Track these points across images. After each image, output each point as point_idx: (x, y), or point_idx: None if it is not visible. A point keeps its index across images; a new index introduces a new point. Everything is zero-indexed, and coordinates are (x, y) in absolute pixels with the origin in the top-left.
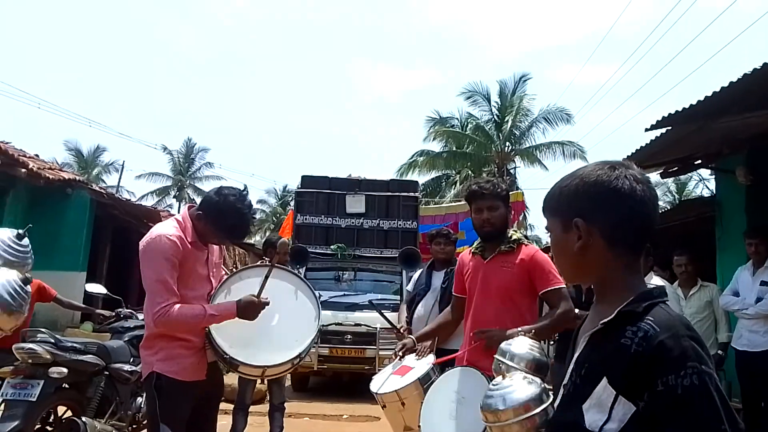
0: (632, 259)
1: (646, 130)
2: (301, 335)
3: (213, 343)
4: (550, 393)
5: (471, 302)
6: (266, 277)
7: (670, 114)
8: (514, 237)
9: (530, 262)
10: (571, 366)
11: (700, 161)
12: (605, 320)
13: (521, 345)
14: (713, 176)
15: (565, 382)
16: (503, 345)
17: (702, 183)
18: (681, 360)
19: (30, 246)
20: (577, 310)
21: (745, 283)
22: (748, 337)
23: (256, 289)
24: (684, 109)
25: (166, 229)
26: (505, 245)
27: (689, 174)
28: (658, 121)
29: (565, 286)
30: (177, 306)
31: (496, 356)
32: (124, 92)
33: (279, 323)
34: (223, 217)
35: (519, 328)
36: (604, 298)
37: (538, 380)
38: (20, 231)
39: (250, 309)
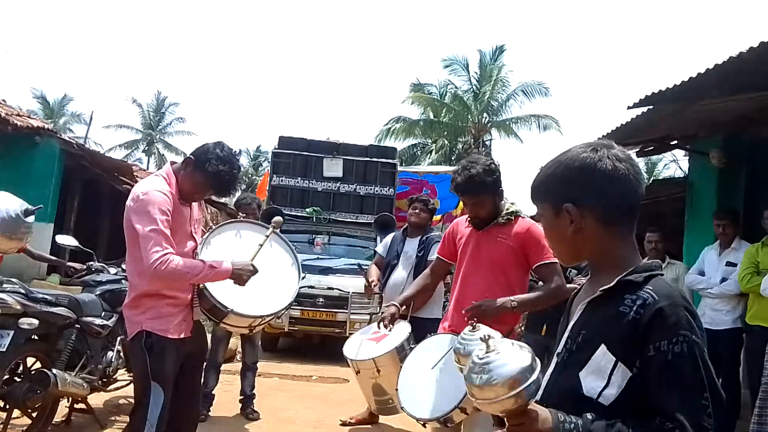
0: (625, 233)
1: (629, 108)
2: (286, 288)
3: (210, 296)
4: (537, 360)
5: (460, 271)
6: (260, 247)
7: (653, 93)
8: (510, 209)
9: (525, 235)
10: (566, 334)
11: (676, 142)
12: (605, 287)
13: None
14: (687, 157)
15: (558, 350)
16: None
17: (675, 164)
18: (675, 327)
19: (33, 223)
20: (582, 280)
21: (712, 263)
22: (711, 315)
23: (235, 242)
24: (667, 88)
25: (156, 183)
26: (502, 217)
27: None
28: (641, 100)
29: (558, 260)
30: (178, 257)
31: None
32: (92, 41)
33: (265, 278)
34: (215, 163)
35: (509, 298)
36: (600, 271)
37: (527, 347)
38: (30, 207)
39: (244, 274)
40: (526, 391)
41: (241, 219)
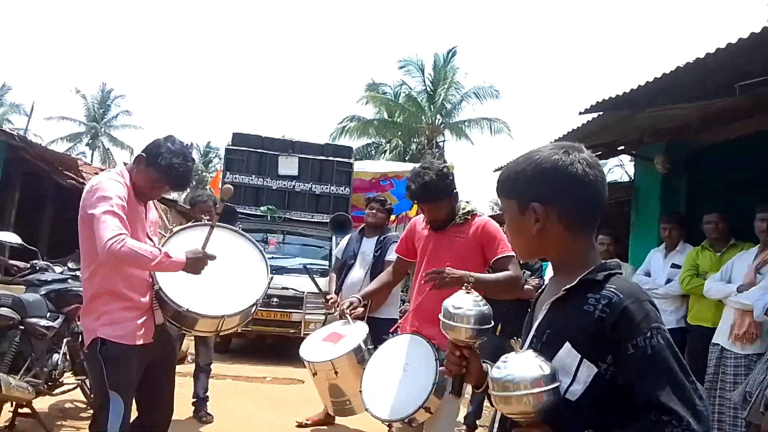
0: (587, 235)
1: (580, 113)
2: (253, 286)
3: (167, 299)
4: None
5: (419, 273)
6: (209, 233)
7: (603, 100)
8: (467, 209)
9: (482, 232)
10: (531, 333)
11: (623, 147)
12: (567, 286)
13: (464, 300)
14: (632, 162)
15: (524, 349)
16: (446, 304)
17: (620, 168)
18: (646, 322)
19: None
20: (535, 281)
21: (657, 265)
22: None
23: (198, 243)
24: (617, 96)
25: (110, 176)
26: (459, 218)
27: (609, 159)
28: (592, 106)
29: (515, 254)
30: (133, 240)
31: (441, 317)
32: (33, 27)
33: (226, 277)
34: (167, 157)
35: (465, 272)
36: (562, 271)
37: (548, 363)
38: None
39: (198, 262)
40: (544, 395)
41: (205, 222)
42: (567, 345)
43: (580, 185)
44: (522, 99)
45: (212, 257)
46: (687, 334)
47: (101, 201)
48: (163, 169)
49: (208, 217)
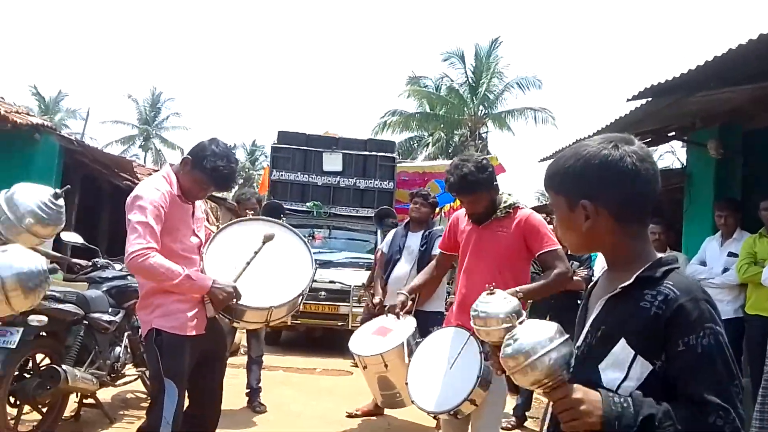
0: (640, 229)
1: (628, 100)
2: (298, 277)
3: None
4: (563, 332)
5: (462, 266)
6: (248, 263)
7: (652, 85)
8: (508, 202)
9: (525, 226)
10: (586, 329)
11: (674, 133)
12: (624, 284)
13: (489, 303)
14: (684, 148)
15: (578, 344)
16: (472, 312)
17: (671, 155)
18: (699, 321)
19: (64, 206)
20: (584, 272)
21: (713, 254)
22: None
23: (239, 241)
24: (666, 81)
25: (154, 182)
26: (500, 211)
27: (659, 146)
28: (640, 92)
29: (560, 246)
30: (160, 256)
31: (473, 325)
32: (86, 36)
33: (273, 269)
34: (212, 159)
35: (515, 288)
36: (615, 266)
37: (551, 323)
38: (57, 190)
39: (223, 296)
40: (554, 354)
41: (251, 217)
42: (622, 341)
43: (631, 181)
44: (565, 87)
45: (239, 296)
46: (745, 324)
47: (138, 210)
48: (208, 172)
49: (252, 212)
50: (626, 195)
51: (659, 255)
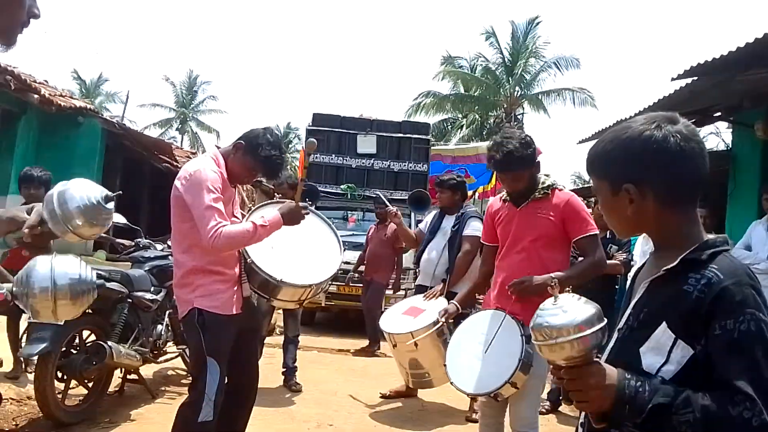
0: (688, 211)
1: (673, 79)
2: (329, 258)
3: (258, 270)
4: (603, 317)
5: (502, 249)
6: (299, 190)
7: (698, 64)
8: (546, 183)
9: (565, 208)
10: (628, 311)
11: (719, 114)
12: (668, 267)
13: (555, 309)
14: (729, 130)
15: (620, 326)
16: (536, 325)
17: (716, 136)
18: (741, 306)
19: (113, 210)
20: (622, 256)
21: (759, 238)
22: None
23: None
24: (713, 59)
25: (206, 163)
26: (539, 191)
27: (703, 127)
28: (685, 71)
29: (598, 232)
30: (228, 225)
31: (535, 342)
32: (125, 21)
33: (304, 251)
34: (267, 148)
35: (551, 275)
36: (662, 248)
37: (593, 303)
38: (110, 194)
39: (294, 214)
40: (589, 338)
41: (278, 200)
42: (663, 325)
43: (676, 161)
44: (605, 67)
45: (305, 207)
46: None
47: (199, 194)
48: (261, 159)
49: (280, 195)
50: (671, 177)
51: (707, 237)
